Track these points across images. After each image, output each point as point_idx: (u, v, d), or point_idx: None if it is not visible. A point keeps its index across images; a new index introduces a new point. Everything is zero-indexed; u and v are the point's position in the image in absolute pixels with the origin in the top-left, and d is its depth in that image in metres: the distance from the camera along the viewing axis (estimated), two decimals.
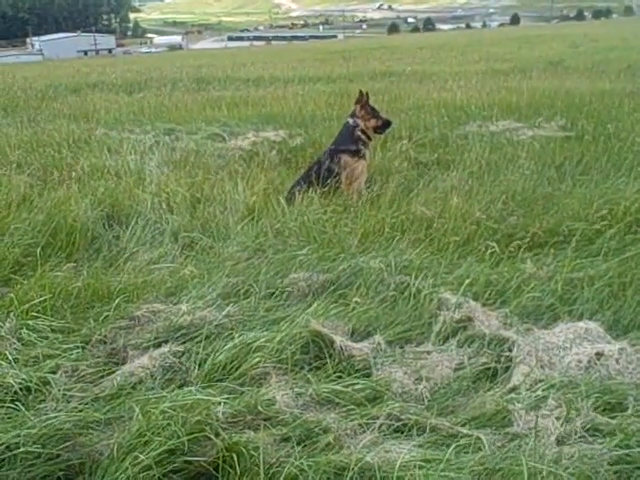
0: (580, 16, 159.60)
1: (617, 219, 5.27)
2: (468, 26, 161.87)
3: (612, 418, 2.93)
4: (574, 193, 6.01)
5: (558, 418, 2.92)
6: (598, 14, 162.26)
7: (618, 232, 5.06)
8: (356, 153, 6.77)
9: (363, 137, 6.91)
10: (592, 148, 7.73)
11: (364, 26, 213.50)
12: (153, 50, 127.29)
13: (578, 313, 3.94)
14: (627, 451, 2.65)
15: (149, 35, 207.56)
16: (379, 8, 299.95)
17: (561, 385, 3.21)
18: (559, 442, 2.80)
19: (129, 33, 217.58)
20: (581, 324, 3.72)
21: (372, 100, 7.27)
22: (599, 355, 3.42)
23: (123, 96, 18.44)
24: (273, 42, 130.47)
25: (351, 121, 6.95)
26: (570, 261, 4.55)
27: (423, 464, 2.67)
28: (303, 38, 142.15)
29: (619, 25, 65.41)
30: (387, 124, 7.16)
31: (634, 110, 9.98)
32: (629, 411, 2.98)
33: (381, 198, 6.34)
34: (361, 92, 7.08)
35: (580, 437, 2.81)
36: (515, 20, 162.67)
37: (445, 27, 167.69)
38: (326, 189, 6.46)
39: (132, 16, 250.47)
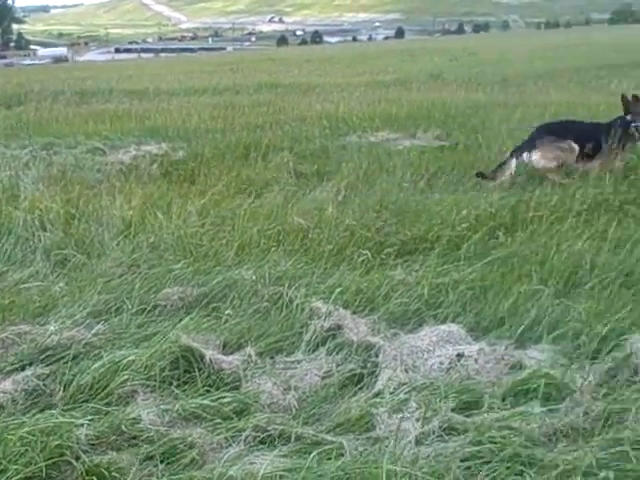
0: (461, 30, 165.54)
1: (482, 225, 5.49)
2: (355, 39, 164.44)
3: (468, 416, 3.05)
4: (445, 201, 6.22)
5: (418, 419, 3.01)
6: (478, 28, 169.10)
7: (482, 237, 5.28)
8: None
9: None
10: (464, 157, 8.03)
11: (253, 38, 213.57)
12: (37, 62, 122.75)
13: (443, 316, 4.07)
14: (479, 447, 2.75)
15: (33, 47, 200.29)
16: (270, 21, 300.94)
17: (423, 387, 3.31)
18: (418, 443, 2.88)
19: (12, 45, 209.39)
20: (444, 327, 3.86)
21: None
22: (459, 356, 3.55)
23: (1, 109, 17.71)
24: (162, 54, 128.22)
25: None
26: (436, 266, 4.72)
27: (285, 473, 2.69)
28: (192, 50, 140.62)
29: (497, 39, 68.39)
30: None
31: (504, 120, 10.44)
32: (484, 408, 3.11)
33: (259, 209, 6.37)
34: None
35: (437, 436, 2.90)
36: (400, 33, 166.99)
37: (333, 40, 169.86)
38: None
39: (15, 27, 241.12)
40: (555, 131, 7.34)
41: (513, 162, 7.18)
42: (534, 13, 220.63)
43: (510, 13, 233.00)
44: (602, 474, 2.49)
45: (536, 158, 7.15)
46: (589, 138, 7.16)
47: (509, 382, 3.31)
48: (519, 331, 3.84)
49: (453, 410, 3.09)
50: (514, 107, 12.18)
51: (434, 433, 2.92)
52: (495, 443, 2.76)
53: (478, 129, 9.73)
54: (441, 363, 3.54)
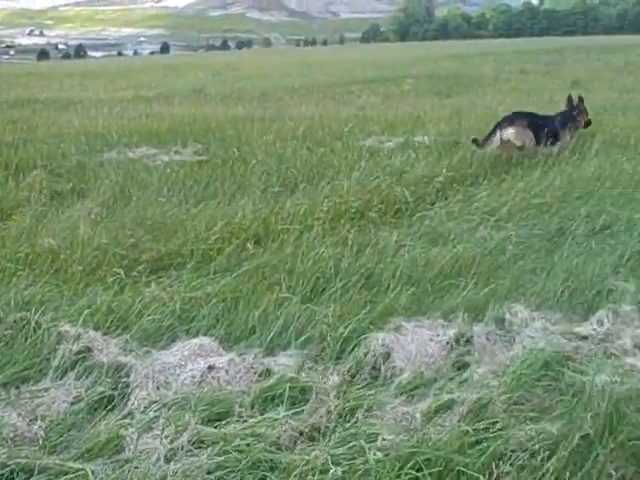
0: (225, 46, 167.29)
1: (235, 237, 5.61)
2: (120, 54, 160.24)
3: (218, 427, 3.10)
4: (200, 215, 6.25)
5: (167, 436, 3.00)
6: (241, 45, 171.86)
7: (235, 249, 5.39)
8: None
9: None
10: (220, 171, 8.15)
11: (12, 52, 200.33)
12: None
13: (195, 330, 4.11)
14: (225, 457, 2.81)
15: None
16: (30, 34, 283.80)
17: (174, 403, 3.31)
18: (167, 460, 2.87)
19: None
20: (196, 340, 3.90)
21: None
22: (211, 368, 3.60)
23: None
24: None
25: None
26: (190, 281, 4.75)
27: None
28: None
29: (259, 55, 69.88)
30: None
31: (260, 134, 10.73)
32: (234, 418, 3.17)
33: (7, 232, 6.02)
34: None
35: (187, 451, 2.92)
36: (165, 49, 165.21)
37: (97, 54, 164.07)
38: None
39: None
40: (526, 117, 9.04)
41: (497, 135, 8.67)
42: (294, 31, 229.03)
43: (271, 31, 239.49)
44: (331, 471, 2.64)
45: (512, 133, 8.65)
46: (549, 125, 8.88)
47: (257, 390, 3.41)
48: (268, 339, 3.98)
49: (203, 423, 3.13)
50: (271, 121, 12.55)
51: (183, 448, 2.93)
52: (241, 452, 2.83)
53: (236, 143, 9.90)
54: (193, 377, 3.56)
